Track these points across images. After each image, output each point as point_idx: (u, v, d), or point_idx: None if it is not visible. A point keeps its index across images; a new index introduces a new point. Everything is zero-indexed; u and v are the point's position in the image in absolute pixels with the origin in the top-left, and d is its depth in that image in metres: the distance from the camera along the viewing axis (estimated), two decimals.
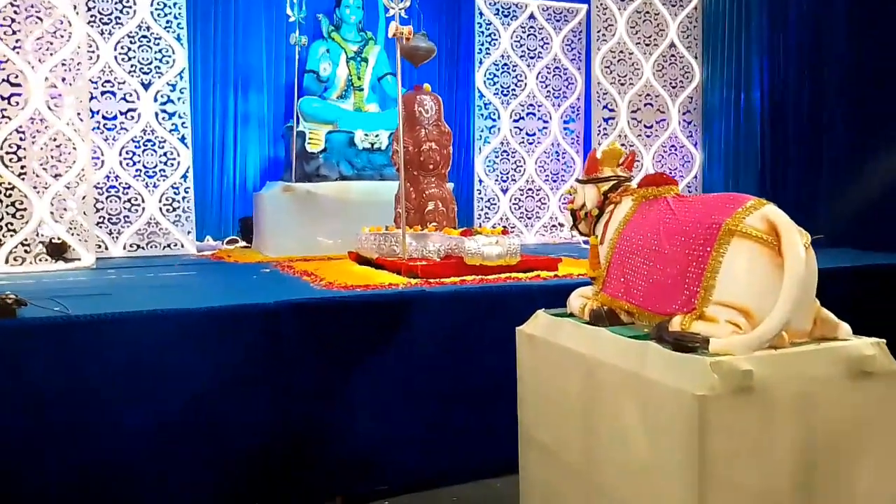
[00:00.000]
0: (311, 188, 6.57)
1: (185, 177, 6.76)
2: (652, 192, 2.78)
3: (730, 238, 2.20)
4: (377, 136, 6.88)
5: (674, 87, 7.76)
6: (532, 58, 8.05)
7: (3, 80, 5.30)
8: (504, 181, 8.09)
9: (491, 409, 3.52)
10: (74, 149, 5.61)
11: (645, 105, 7.66)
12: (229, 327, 3.27)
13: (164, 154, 6.69)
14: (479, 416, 3.61)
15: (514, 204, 8.12)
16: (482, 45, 7.88)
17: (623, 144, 7.52)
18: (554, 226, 8.30)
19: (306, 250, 6.27)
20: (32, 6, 5.46)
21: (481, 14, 7.83)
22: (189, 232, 6.77)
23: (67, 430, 2.99)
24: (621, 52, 7.51)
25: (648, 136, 7.66)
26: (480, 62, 7.87)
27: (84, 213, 5.73)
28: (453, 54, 8.56)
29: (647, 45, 7.63)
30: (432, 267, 4.26)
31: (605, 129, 7.46)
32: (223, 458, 3.21)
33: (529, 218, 8.20)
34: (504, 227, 7.90)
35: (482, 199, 8.02)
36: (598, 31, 7.36)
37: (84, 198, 5.74)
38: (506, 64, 7.98)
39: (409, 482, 3.54)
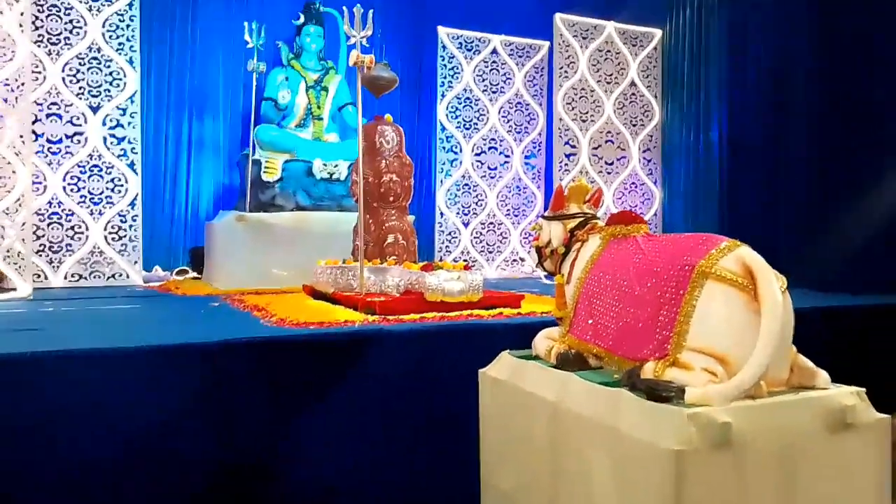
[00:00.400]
0: (265, 218, 6.34)
1: (132, 204, 6.48)
2: (621, 231, 2.68)
3: (703, 280, 2.10)
4: (336, 165, 6.72)
5: (634, 125, 7.82)
6: (494, 92, 8.04)
7: None
8: (465, 214, 8.00)
9: (450, 453, 3.33)
10: (14, 173, 5.31)
11: (606, 142, 7.68)
12: (170, 367, 3.03)
13: (112, 180, 6.41)
14: (438, 460, 3.42)
15: (475, 237, 8.02)
16: (445, 77, 7.84)
17: (601, 188, 7.51)
18: (515, 260, 8.22)
19: (259, 283, 6.02)
20: None
21: (444, 47, 7.80)
22: (135, 262, 6.46)
23: None
24: (583, 88, 7.54)
25: (609, 173, 7.67)
26: (443, 95, 7.81)
27: (23, 240, 5.41)
28: (416, 85, 8.49)
29: (608, 82, 7.68)
30: (391, 303, 4.08)
31: (566, 164, 7.44)
32: (168, 497, 2.95)
33: (490, 252, 8.10)
34: (466, 261, 7.78)
35: (443, 231, 7.90)
36: (560, 68, 7.38)
37: (23, 224, 5.42)
38: (468, 98, 7.95)
39: None
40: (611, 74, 7.68)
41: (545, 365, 2.66)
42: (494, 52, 8.01)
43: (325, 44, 7.50)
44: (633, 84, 7.76)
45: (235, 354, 3.15)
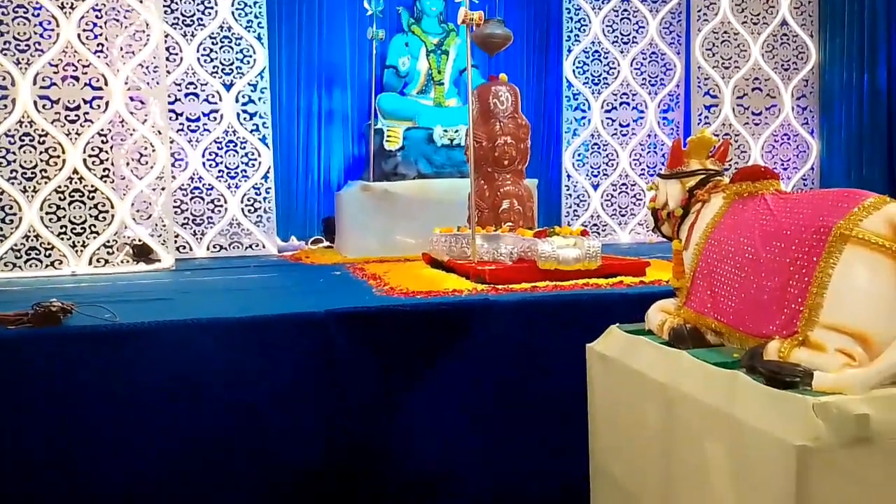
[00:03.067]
0: (388, 187, 6.36)
1: (265, 177, 6.73)
2: (747, 189, 2.35)
3: (842, 245, 1.78)
4: (456, 131, 6.58)
5: (786, 70, 7.01)
6: (626, 43, 7.51)
7: (86, 84, 5.39)
8: (595, 176, 7.60)
9: (562, 431, 3.14)
10: (154, 151, 5.65)
11: (753, 90, 6.95)
12: (276, 337, 3.07)
13: (246, 154, 6.68)
14: (549, 438, 3.24)
15: (605, 200, 7.61)
16: (571, 31, 7.42)
17: (727, 134, 6.87)
18: (652, 226, 7.71)
19: (385, 251, 6.08)
20: (114, 9, 5.53)
21: None
22: (267, 230, 6.73)
23: (110, 443, 2.87)
24: (725, 32, 6.85)
25: (757, 125, 6.95)
26: (569, 50, 7.41)
27: (164, 214, 5.77)
28: (541, 42, 8.12)
29: (754, 23, 6.92)
30: (502, 271, 3.91)
31: (706, 117, 6.82)
32: (272, 474, 3.01)
33: (623, 215, 7.67)
34: (593, 228, 7.42)
35: (571, 195, 7.57)
36: (699, 11, 6.73)
37: (164, 200, 5.79)
38: (597, 51, 7.49)
39: None
40: (757, 14, 6.91)
41: (657, 341, 2.40)
42: None
43: (446, 6, 7.32)
44: (784, 23, 6.94)
45: (341, 324, 3.13)
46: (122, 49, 5.63)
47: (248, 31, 6.63)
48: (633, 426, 2.39)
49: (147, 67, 5.69)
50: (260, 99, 6.72)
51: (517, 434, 3.21)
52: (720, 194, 2.44)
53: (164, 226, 5.75)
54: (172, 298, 3.95)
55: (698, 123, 6.80)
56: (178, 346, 2.96)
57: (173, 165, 6.48)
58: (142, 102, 5.72)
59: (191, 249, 6.52)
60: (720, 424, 1.87)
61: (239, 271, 5.33)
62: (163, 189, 5.75)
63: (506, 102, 4.78)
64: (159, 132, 5.67)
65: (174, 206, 6.47)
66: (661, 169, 7.67)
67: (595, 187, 7.58)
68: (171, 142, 6.44)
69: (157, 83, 5.73)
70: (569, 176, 7.54)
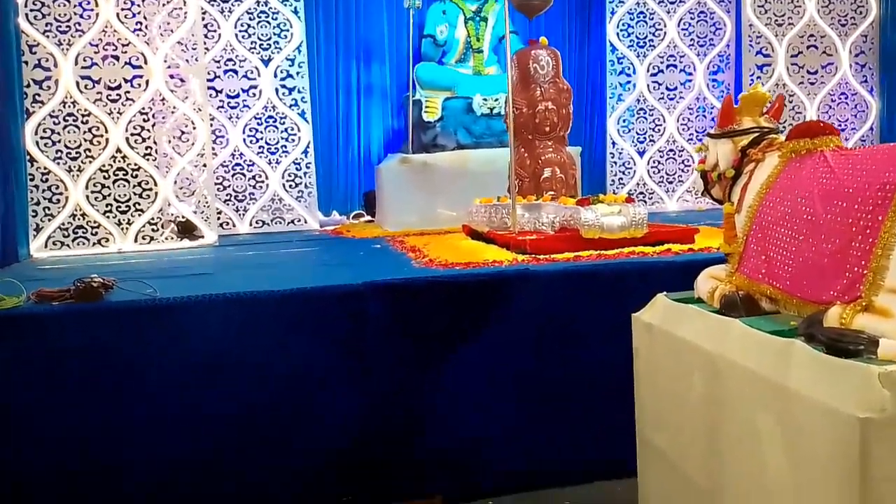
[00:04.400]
0: (427, 159, 6.27)
1: (305, 152, 6.72)
2: (804, 146, 2.20)
3: None
4: (496, 100, 6.43)
5: (843, 25, 6.62)
6: (672, 2, 7.19)
7: (126, 63, 5.42)
8: (641, 142, 7.36)
9: (606, 404, 3.05)
10: (195, 128, 5.67)
11: (808, 48, 6.60)
12: (314, 310, 3.05)
13: (286, 130, 6.67)
14: (592, 412, 3.16)
15: (652, 167, 7.37)
16: None
17: (783, 94, 6.54)
18: (699, 190, 7.45)
19: (426, 223, 6.00)
20: None
21: None
22: (309, 205, 6.72)
23: (149, 419, 2.90)
24: None
25: (812, 84, 6.60)
26: (612, 12, 7.14)
27: (206, 191, 5.81)
28: (582, 5, 7.85)
29: None
30: (543, 241, 3.80)
31: (759, 77, 6.51)
32: (309, 449, 3.01)
33: (671, 182, 7.42)
34: (639, 196, 7.20)
35: (616, 163, 7.35)
36: None
37: (206, 177, 5.82)
38: (641, 12, 7.19)
39: (515, 482, 3.16)
40: None
41: (707, 309, 2.29)
42: None
43: None
44: None
45: (377, 296, 3.09)
46: (160, 27, 5.63)
47: (285, 4, 6.57)
48: (679, 397, 2.30)
49: (185, 45, 5.69)
50: (298, 73, 6.68)
51: (558, 407, 3.13)
52: (775, 153, 2.30)
53: (207, 203, 5.78)
54: (214, 273, 3.96)
55: (750, 84, 6.49)
56: (217, 320, 2.97)
57: (214, 142, 6.49)
58: (181, 80, 5.73)
59: (234, 226, 6.56)
60: (773, 395, 1.76)
61: (281, 246, 5.34)
62: (204, 166, 5.78)
63: (546, 67, 4.63)
64: (199, 109, 5.69)
65: (216, 183, 6.50)
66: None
67: (641, 154, 7.34)
68: (212, 119, 6.46)
69: (196, 60, 5.72)
70: (613, 143, 7.32)
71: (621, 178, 7.36)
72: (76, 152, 5.39)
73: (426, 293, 3.07)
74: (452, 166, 6.20)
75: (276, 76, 6.60)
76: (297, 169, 6.72)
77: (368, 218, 7.33)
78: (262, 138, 6.64)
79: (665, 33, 7.19)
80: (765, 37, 6.45)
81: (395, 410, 3.09)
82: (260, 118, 6.62)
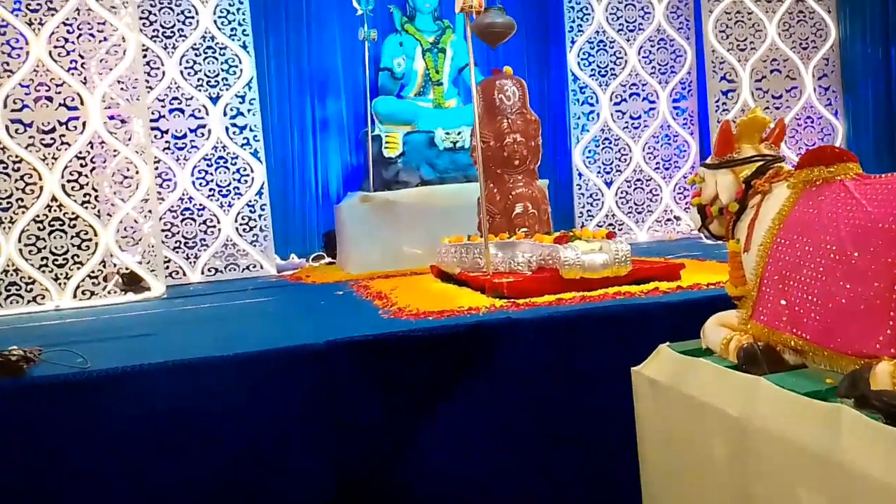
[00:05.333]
0: (390, 196, 5.97)
1: (259, 193, 6.35)
2: (819, 175, 1.96)
3: None
4: (459, 133, 6.19)
5: (805, 48, 6.59)
6: (632, 31, 7.11)
7: (60, 105, 5.02)
8: (608, 173, 7.20)
9: (601, 469, 2.75)
10: (137, 172, 5.28)
11: (771, 72, 6.54)
12: (271, 375, 2.68)
13: (238, 171, 6.30)
14: (588, 471, 2.85)
15: (620, 198, 7.21)
16: (573, 21, 7.02)
17: (783, 118, 6.45)
18: (669, 219, 7.31)
19: (391, 264, 5.71)
20: (87, 23, 5.17)
21: None
22: (265, 250, 6.34)
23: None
24: (738, 12, 6.44)
25: (778, 108, 6.53)
26: (573, 41, 7.02)
27: (153, 239, 5.39)
28: (542, 34, 7.72)
29: (768, 1, 6.51)
30: (521, 283, 3.51)
31: (724, 103, 6.41)
32: None
33: (640, 213, 7.26)
34: (609, 228, 7.01)
35: (583, 195, 7.16)
36: None
37: (151, 224, 5.41)
38: (602, 41, 7.09)
39: None
40: None
41: (721, 363, 2.01)
42: None
43: (440, 2, 6.94)
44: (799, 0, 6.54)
45: (346, 356, 2.74)
46: (98, 65, 5.26)
47: (233, 39, 6.26)
48: (697, 462, 2.01)
49: (125, 83, 5.32)
50: (249, 111, 6.34)
51: (553, 468, 2.80)
52: (785, 183, 2.05)
53: (153, 252, 5.36)
54: (157, 333, 3.56)
55: (716, 111, 6.39)
56: (160, 391, 2.58)
57: (161, 186, 6.10)
58: (122, 121, 5.35)
59: (184, 275, 6.13)
60: (821, 470, 1.50)
61: (234, 296, 4.94)
62: (149, 212, 5.37)
63: (513, 97, 4.39)
64: (142, 151, 5.30)
65: (164, 230, 6.09)
66: (676, 162, 7.34)
67: (608, 184, 7.17)
68: (158, 161, 6.08)
69: (137, 99, 5.35)
70: (580, 174, 7.14)
71: (589, 210, 7.17)
72: (7, 202, 4.96)
73: (397, 350, 2.74)
74: (417, 203, 5.92)
75: (225, 114, 6.26)
76: (251, 211, 6.34)
77: (329, 260, 6.99)
78: (212, 180, 6.26)
79: (626, 61, 7.09)
80: (728, 62, 6.37)
81: (370, 483, 2.72)
82: (210, 159, 6.24)
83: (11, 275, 4.91)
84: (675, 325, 2.98)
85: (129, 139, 5.33)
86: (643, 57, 7.15)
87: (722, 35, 6.40)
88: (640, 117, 7.22)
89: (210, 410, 2.64)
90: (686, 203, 7.39)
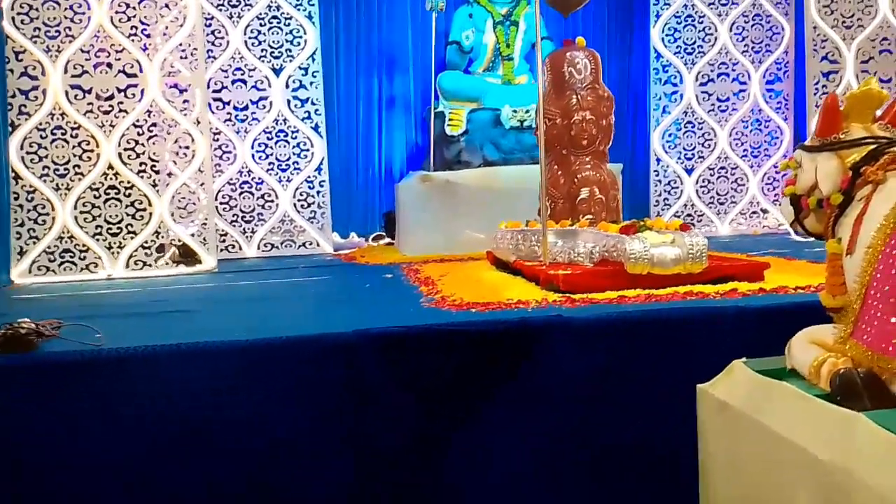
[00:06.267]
0: (450, 177, 5.68)
1: (318, 169, 6.18)
2: None
3: None
4: (528, 112, 5.82)
5: None
6: (724, 5, 6.53)
7: (119, 72, 4.95)
8: (689, 159, 6.68)
9: (660, 497, 2.39)
10: (193, 142, 5.16)
11: (881, 53, 5.84)
12: (292, 366, 2.44)
13: (297, 145, 6.15)
14: (640, 497, 2.50)
15: (701, 187, 6.67)
16: None
17: None
18: (755, 212, 6.73)
19: (448, 248, 5.44)
20: None
21: None
22: (322, 227, 6.17)
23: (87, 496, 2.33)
24: None
25: (888, 92, 5.83)
26: (657, 15, 6.50)
27: (207, 212, 5.29)
28: (623, 7, 7.21)
29: None
30: (580, 276, 3.15)
31: (825, 86, 5.78)
32: None
33: (722, 203, 6.71)
34: (687, 219, 6.50)
35: (660, 182, 6.67)
36: None
37: (206, 196, 5.30)
38: (690, 15, 6.55)
39: None
40: None
41: (810, 391, 1.64)
42: None
43: None
44: None
45: (373, 349, 2.47)
46: (161, 31, 5.15)
47: (298, 9, 6.08)
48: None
49: (186, 51, 5.20)
50: (312, 84, 6.16)
51: (601, 494, 2.46)
52: None
53: (206, 224, 5.26)
54: (191, 311, 3.39)
55: (815, 94, 5.77)
56: (168, 377, 2.39)
57: (221, 158, 6.02)
58: (180, 91, 5.24)
59: (240, 249, 6.04)
60: None
61: (284, 274, 4.78)
62: (202, 184, 5.26)
63: (584, 71, 4.00)
64: (199, 121, 5.17)
65: (222, 203, 6.01)
66: (766, 150, 6.73)
67: (689, 172, 6.65)
68: (218, 133, 5.99)
69: (195, 68, 5.22)
70: (658, 159, 6.64)
71: (666, 199, 6.68)
72: (64, 169, 4.93)
73: (428, 345, 2.45)
74: (478, 185, 5.60)
75: (287, 86, 6.09)
76: (309, 187, 6.19)
77: (389, 240, 6.79)
78: (272, 154, 6.13)
79: (716, 38, 6.52)
80: (831, 40, 5.73)
81: (394, 492, 2.46)
82: (270, 132, 6.11)
83: (66, 241, 4.89)
84: (754, 336, 2.59)
85: (187, 109, 5.21)
86: (735, 34, 6.56)
87: (826, 10, 5.75)
88: (728, 99, 6.66)
89: (225, 403, 2.43)
90: (776, 194, 6.78)
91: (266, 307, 3.48)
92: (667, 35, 6.54)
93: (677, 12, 6.52)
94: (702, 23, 6.55)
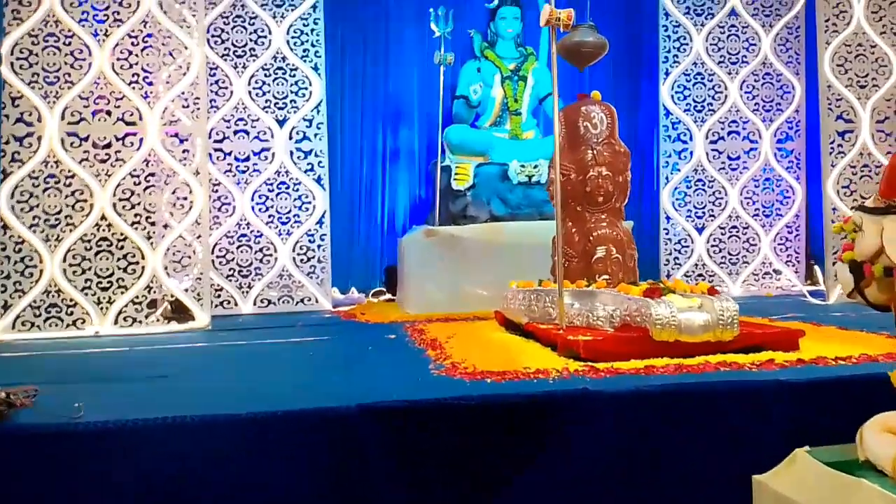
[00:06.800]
0: (455, 231, 5.49)
1: (320, 222, 5.98)
2: None
3: None
4: (536, 167, 5.67)
5: None
6: (734, 63, 6.48)
7: (118, 119, 4.81)
8: (699, 217, 6.51)
9: None
10: (191, 192, 4.98)
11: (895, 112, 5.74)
12: (289, 444, 2.19)
13: (299, 198, 5.97)
14: None
15: (713, 246, 6.49)
16: (668, 51, 6.45)
17: (866, 166, 5.68)
18: (767, 273, 6.53)
19: (453, 305, 5.23)
20: (153, 36, 4.96)
21: (667, 15, 6.42)
22: (323, 284, 5.94)
23: None
24: (859, 44, 5.70)
25: None
26: (667, 72, 6.43)
27: (202, 266, 5.07)
28: (632, 64, 7.15)
29: (895, 33, 5.75)
30: (602, 343, 2.92)
31: (840, 145, 5.65)
32: None
33: (734, 263, 6.52)
34: (699, 278, 6.31)
35: (671, 240, 6.49)
36: (827, 20, 5.64)
37: (202, 249, 5.09)
38: (699, 73, 6.48)
39: None
40: None
41: (890, 488, 1.40)
42: (733, 13, 6.45)
43: (524, 28, 6.50)
44: None
45: (375, 424, 2.23)
46: (166, 83, 5.04)
47: (304, 60, 5.98)
48: None
49: (187, 100, 5.07)
50: (316, 135, 6.02)
51: None
52: None
53: (201, 279, 5.03)
54: (182, 375, 3.14)
55: (830, 153, 5.64)
56: (151, 454, 2.14)
57: (220, 210, 5.83)
58: (180, 140, 5.08)
59: (236, 304, 5.79)
60: None
61: (280, 333, 4.52)
62: (199, 237, 5.06)
63: (600, 126, 3.84)
64: (197, 172, 5.01)
65: (219, 256, 5.80)
66: (778, 209, 6.56)
67: (699, 230, 6.48)
68: (217, 184, 5.82)
69: (197, 117, 5.08)
70: (668, 217, 6.47)
71: (677, 258, 6.49)
72: (56, 219, 4.73)
73: (445, 422, 2.20)
74: (485, 240, 5.41)
75: (291, 138, 5.96)
76: (310, 241, 5.98)
77: (390, 296, 6.56)
78: (272, 206, 5.94)
79: (726, 96, 6.44)
80: (846, 100, 5.63)
81: None
82: (271, 183, 5.94)
83: (53, 296, 4.66)
84: (800, 412, 2.36)
85: (187, 158, 5.05)
86: (746, 92, 6.49)
87: (840, 70, 5.67)
88: (738, 158, 6.53)
89: (213, 479, 2.17)
90: (788, 255, 6.60)
91: (260, 372, 3.22)
92: (676, 92, 6.46)
93: (686, 70, 6.45)
94: (711, 80, 6.48)
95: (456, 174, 5.74)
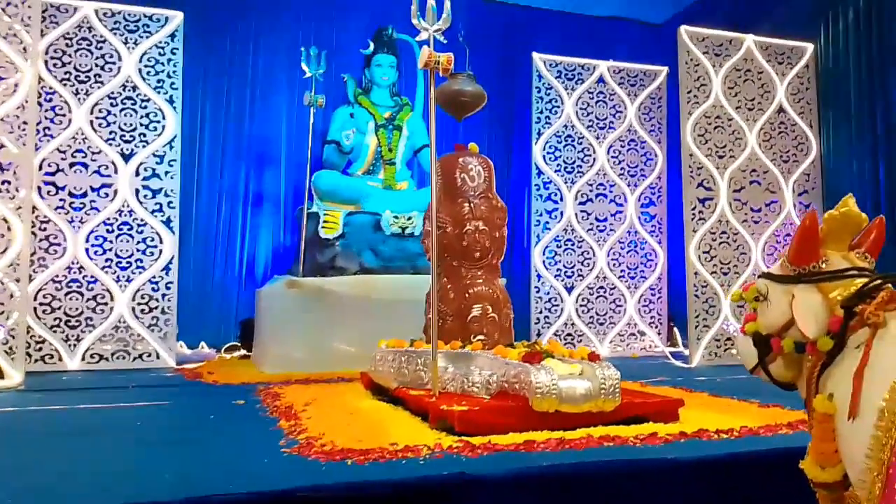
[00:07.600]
0: (322, 283, 5.10)
1: (167, 269, 5.37)
2: None
3: None
4: (410, 218, 5.43)
5: (785, 161, 6.16)
6: (602, 128, 6.64)
7: None
8: (569, 276, 6.51)
9: None
10: (10, 229, 4.28)
11: (751, 183, 6.04)
12: None
13: (143, 240, 5.34)
14: None
15: (581, 305, 6.49)
16: (541, 111, 6.51)
17: (724, 233, 5.89)
18: (633, 334, 6.61)
19: (315, 365, 4.81)
20: None
21: (540, 77, 6.49)
22: (164, 336, 5.29)
23: None
24: (718, 117, 5.99)
25: (757, 222, 5.99)
26: (539, 133, 6.47)
27: (17, 315, 4.33)
28: (507, 122, 7.19)
29: (749, 108, 6.10)
30: (478, 414, 2.63)
31: (701, 211, 5.84)
32: None
33: (601, 324, 6.54)
34: (567, 337, 6.27)
35: (541, 298, 6.42)
36: (689, 92, 5.88)
37: (19, 296, 4.36)
38: (570, 135, 6.58)
39: None
40: (752, 99, 6.10)
41: None
42: (601, 80, 6.65)
43: (400, 77, 6.35)
44: (781, 110, 6.15)
45: None
46: None
47: (158, 92, 5.45)
48: None
49: (12, 124, 4.39)
50: (167, 173, 5.44)
51: None
52: None
53: (16, 330, 4.29)
54: None
55: (692, 219, 5.81)
56: None
57: (46, 251, 5.09)
58: (1, 169, 4.38)
59: (60, 360, 5.01)
60: None
61: (108, 396, 3.89)
62: (18, 280, 4.33)
63: (477, 178, 3.66)
64: (19, 207, 4.32)
65: (42, 304, 5.03)
66: (642, 271, 6.69)
67: (569, 290, 6.47)
68: (46, 221, 5.09)
69: (24, 144, 4.42)
70: (538, 276, 6.42)
71: (547, 317, 6.42)
72: None
73: None
74: (354, 293, 5.06)
75: (137, 174, 5.35)
76: (153, 289, 5.34)
77: (244, 352, 6.00)
78: (111, 249, 5.27)
79: (594, 159, 6.57)
80: (706, 168, 5.85)
81: None
82: (111, 224, 5.27)
83: None
84: (688, 491, 2.17)
85: (8, 190, 4.35)
86: (612, 157, 6.65)
87: (700, 139, 5.91)
88: (606, 220, 6.64)
89: None
90: (651, 316, 6.72)
91: (72, 449, 2.63)
92: (548, 153, 6.50)
93: (558, 132, 6.53)
94: (581, 143, 6.59)
95: (324, 222, 5.37)
